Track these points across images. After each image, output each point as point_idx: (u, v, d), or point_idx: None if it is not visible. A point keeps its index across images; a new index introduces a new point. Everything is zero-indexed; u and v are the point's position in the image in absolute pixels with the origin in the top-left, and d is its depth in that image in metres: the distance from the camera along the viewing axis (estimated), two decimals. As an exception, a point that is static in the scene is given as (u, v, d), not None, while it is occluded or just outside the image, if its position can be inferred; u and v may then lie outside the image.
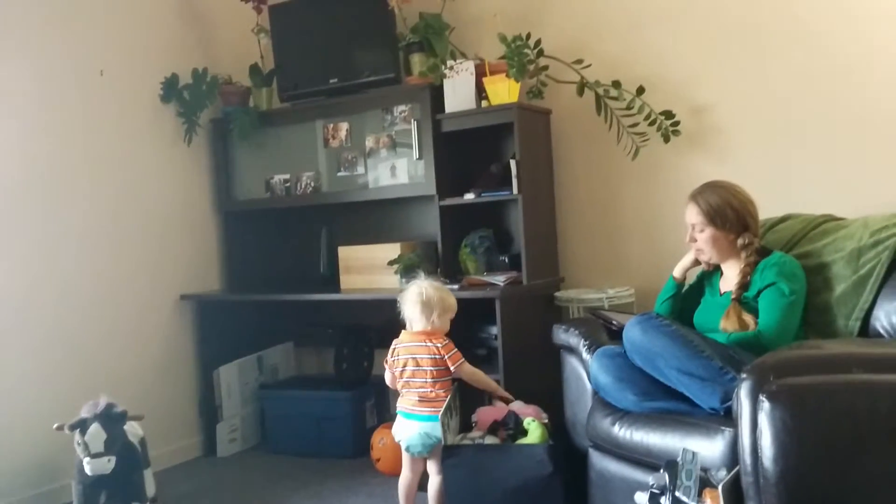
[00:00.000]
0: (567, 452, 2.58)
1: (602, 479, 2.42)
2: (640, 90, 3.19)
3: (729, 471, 1.90)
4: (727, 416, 2.09)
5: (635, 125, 3.25)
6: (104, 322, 3.37)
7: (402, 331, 2.75)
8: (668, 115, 3.17)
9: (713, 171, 2.86)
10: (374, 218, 3.83)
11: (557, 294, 3.30)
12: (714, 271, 2.64)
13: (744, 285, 2.45)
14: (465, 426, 2.71)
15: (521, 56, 3.13)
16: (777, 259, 2.44)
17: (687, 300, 2.70)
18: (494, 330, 3.11)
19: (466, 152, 3.49)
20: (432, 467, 2.63)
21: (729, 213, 2.47)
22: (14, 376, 3.02)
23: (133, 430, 2.79)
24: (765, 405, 1.75)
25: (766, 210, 2.67)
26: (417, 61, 3.50)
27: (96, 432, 2.55)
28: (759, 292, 2.41)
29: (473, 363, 2.75)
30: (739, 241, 2.48)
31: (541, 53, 3.24)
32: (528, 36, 3.19)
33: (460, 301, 2.77)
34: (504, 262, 3.34)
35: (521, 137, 3.18)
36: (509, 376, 2.98)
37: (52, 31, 3.23)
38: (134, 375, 3.45)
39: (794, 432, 1.72)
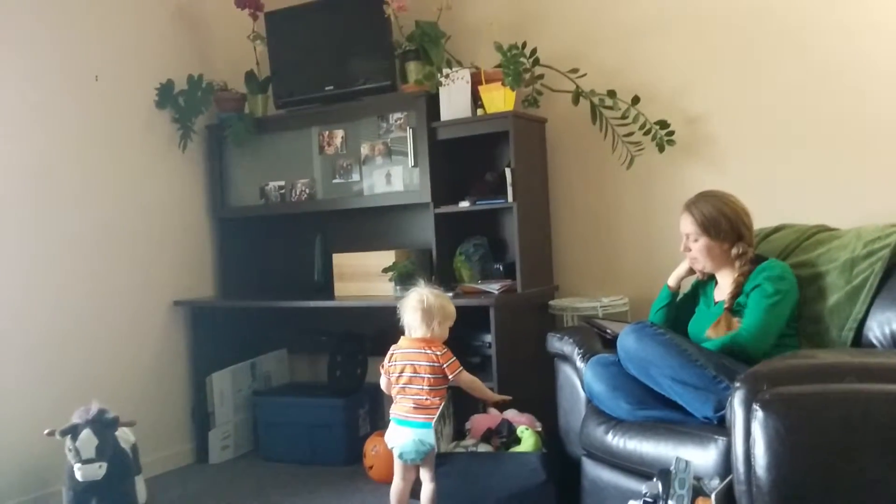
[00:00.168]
0: (560, 461, 2.57)
1: (595, 488, 2.42)
2: (636, 100, 3.20)
3: (722, 480, 1.90)
4: (720, 425, 2.10)
5: (630, 134, 3.26)
6: (97, 327, 3.36)
7: (402, 337, 2.74)
8: (663, 124, 3.18)
9: (707, 181, 2.88)
10: (368, 225, 3.83)
11: (552, 302, 3.30)
12: (709, 281, 2.65)
13: (737, 294, 2.45)
14: (459, 434, 2.71)
15: (517, 65, 3.14)
16: (768, 264, 2.45)
17: (681, 309, 2.70)
18: (488, 338, 3.11)
19: (462, 160, 3.50)
20: (425, 475, 2.63)
21: (723, 222, 2.48)
22: (6, 381, 3.00)
23: (125, 436, 2.78)
24: (758, 414, 1.75)
25: (760, 220, 2.68)
26: (413, 69, 3.51)
27: (87, 438, 2.54)
28: (747, 297, 2.43)
29: (467, 371, 2.74)
30: (733, 251, 2.48)
31: (536, 62, 3.25)
32: (524, 45, 3.20)
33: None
34: (498, 270, 3.35)
35: (516, 146, 3.19)
36: (503, 384, 2.97)
37: (47, 35, 3.23)
38: (126, 381, 3.44)
39: (788, 441, 1.72)
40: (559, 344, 2.72)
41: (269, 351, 4.03)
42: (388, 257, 3.42)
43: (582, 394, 2.57)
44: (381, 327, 3.65)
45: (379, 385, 2.78)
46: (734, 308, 2.45)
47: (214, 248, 3.97)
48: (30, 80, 3.16)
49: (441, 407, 2.57)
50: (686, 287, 2.73)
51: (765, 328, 2.35)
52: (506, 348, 3.07)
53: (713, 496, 1.84)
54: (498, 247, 3.49)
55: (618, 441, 2.29)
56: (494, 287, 3.15)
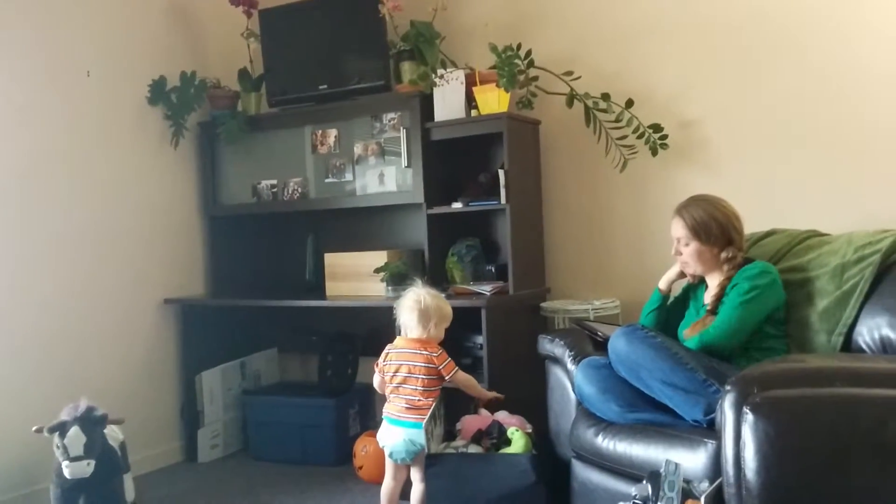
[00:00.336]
0: (550, 462, 2.58)
1: (585, 490, 2.42)
2: (629, 103, 3.21)
3: (711, 483, 1.90)
4: (710, 429, 2.10)
5: (624, 138, 3.27)
6: (86, 324, 3.34)
7: (397, 336, 2.74)
8: (657, 128, 3.19)
9: (700, 185, 2.88)
10: (361, 225, 3.82)
11: (543, 304, 3.30)
12: (699, 284, 2.65)
13: (720, 296, 2.46)
14: (450, 435, 2.71)
15: (512, 66, 3.15)
16: (749, 266, 2.46)
17: (672, 312, 2.71)
18: (480, 339, 3.11)
19: (455, 161, 3.50)
20: (416, 475, 2.63)
21: (713, 227, 2.48)
22: (-7, 378, 2.99)
23: (113, 433, 2.76)
24: (748, 417, 1.76)
25: (752, 224, 2.69)
26: (407, 69, 3.51)
27: (76, 435, 2.52)
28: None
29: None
30: (723, 255, 2.49)
31: (531, 64, 3.26)
32: (519, 46, 3.20)
33: (446, 310, 2.77)
34: (491, 271, 3.35)
35: (509, 147, 3.19)
36: (494, 385, 2.97)
37: (37, 30, 3.21)
38: (115, 379, 3.42)
39: (777, 444, 1.73)
40: (550, 346, 2.72)
41: (260, 350, 4.02)
42: (380, 257, 3.42)
43: (572, 396, 2.57)
44: (372, 327, 3.67)
45: (369, 385, 2.78)
46: (717, 310, 2.46)
47: (205, 247, 3.95)
48: (19, 75, 3.13)
49: (432, 407, 2.57)
50: (677, 290, 2.74)
51: (733, 324, 2.36)
52: (497, 350, 3.07)
53: (703, 499, 1.84)
54: (490, 248, 3.49)
55: (608, 443, 2.29)
56: (486, 288, 3.15)
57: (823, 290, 2.49)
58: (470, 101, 3.29)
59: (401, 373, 2.64)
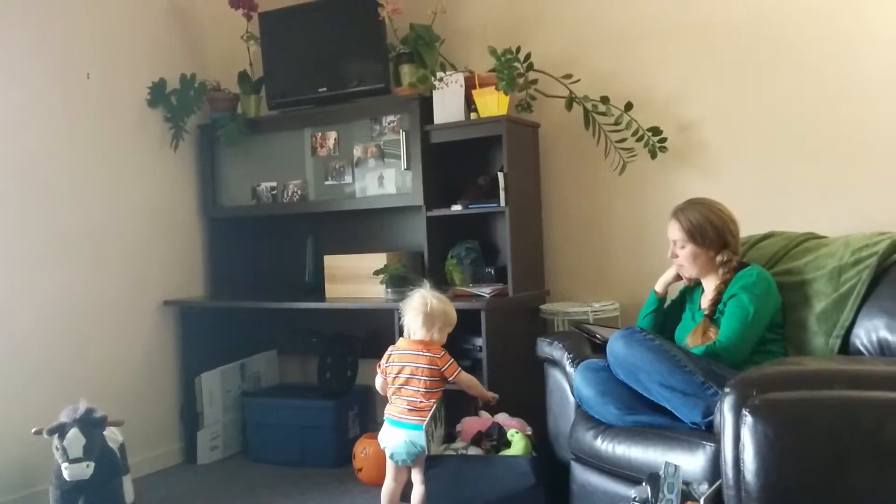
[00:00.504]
0: (550, 465, 2.58)
1: (584, 492, 2.43)
2: (629, 106, 3.22)
3: (710, 485, 1.91)
4: (709, 431, 2.11)
5: (623, 140, 3.28)
6: (86, 326, 3.34)
7: (400, 338, 2.75)
8: (656, 131, 3.20)
9: (699, 188, 2.90)
10: (360, 227, 3.83)
11: (543, 307, 3.31)
12: (696, 287, 2.66)
13: (717, 301, 2.47)
14: (450, 436, 2.71)
15: (511, 69, 3.15)
16: (745, 272, 2.46)
17: (669, 315, 2.72)
18: (479, 341, 3.11)
19: (454, 164, 3.50)
20: (416, 476, 2.63)
21: (709, 229, 2.49)
22: (-7, 379, 2.99)
23: (113, 435, 2.76)
24: (748, 419, 1.76)
25: (750, 227, 2.70)
26: (407, 72, 3.51)
27: (75, 437, 2.52)
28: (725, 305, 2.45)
29: (458, 374, 2.75)
30: (718, 258, 2.50)
31: (530, 67, 3.26)
32: (518, 49, 3.21)
33: (446, 312, 2.77)
34: (490, 273, 3.35)
35: (509, 150, 3.20)
36: (493, 388, 2.97)
37: (37, 32, 3.21)
38: (115, 381, 3.42)
39: (777, 447, 1.73)
40: (549, 349, 2.73)
41: (259, 352, 4.02)
42: (379, 260, 3.42)
43: (571, 398, 2.58)
44: (371, 329, 3.68)
45: (369, 387, 2.79)
46: (715, 315, 2.47)
47: (205, 249, 3.96)
48: (18, 77, 3.13)
49: (433, 409, 2.57)
50: (674, 293, 2.75)
51: (739, 339, 2.37)
52: (496, 352, 3.08)
53: (702, 501, 1.85)
54: (490, 250, 3.49)
55: (607, 446, 2.30)
56: (486, 291, 3.16)
57: (821, 292, 2.50)
58: (469, 103, 3.30)
59: (403, 374, 2.65)
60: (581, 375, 2.48)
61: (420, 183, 3.36)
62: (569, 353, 2.63)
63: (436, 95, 3.32)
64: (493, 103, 3.21)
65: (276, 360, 4.12)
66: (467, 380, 2.71)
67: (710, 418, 2.11)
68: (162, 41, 3.75)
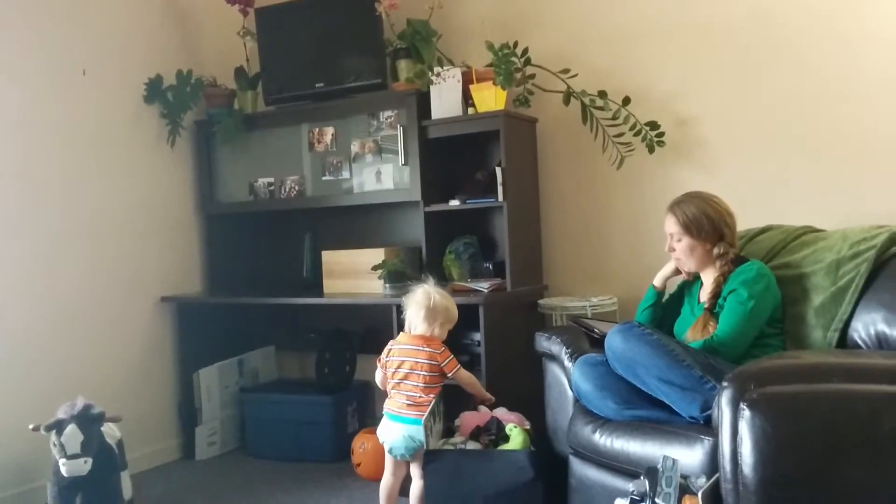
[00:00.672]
0: (548, 459, 2.58)
1: (583, 486, 2.43)
2: (626, 101, 3.21)
3: (708, 479, 1.91)
4: (707, 425, 2.11)
5: (620, 135, 3.28)
6: (83, 322, 3.34)
7: (401, 333, 2.75)
8: (654, 125, 3.20)
9: (697, 183, 2.89)
10: (358, 223, 3.82)
11: (541, 301, 3.31)
12: (694, 281, 2.66)
13: (716, 294, 2.47)
14: (448, 431, 2.71)
15: (508, 64, 3.15)
16: (745, 267, 2.46)
17: (667, 309, 2.72)
18: (477, 336, 3.11)
19: (452, 159, 3.50)
20: (415, 471, 2.63)
21: (705, 222, 2.50)
22: (-10, 376, 2.99)
23: (110, 431, 2.76)
24: (745, 413, 1.76)
25: (748, 221, 2.70)
26: (404, 67, 3.51)
27: (73, 433, 2.51)
28: (725, 299, 2.45)
29: (457, 370, 2.75)
30: (715, 251, 2.50)
31: (528, 62, 3.26)
32: (516, 44, 3.21)
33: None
34: (488, 268, 3.35)
35: (506, 145, 3.19)
36: (492, 383, 2.98)
37: (33, 28, 3.20)
38: (113, 377, 3.42)
39: (775, 440, 1.74)
40: (547, 343, 2.73)
41: (257, 347, 4.02)
42: (377, 255, 3.42)
43: (570, 393, 2.58)
44: (369, 325, 3.68)
45: (367, 382, 2.78)
46: (715, 309, 2.47)
47: (202, 245, 3.95)
48: (14, 74, 3.12)
49: (431, 404, 2.58)
50: (672, 287, 2.75)
51: (738, 334, 2.37)
52: (495, 347, 3.08)
53: (700, 494, 1.85)
54: (488, 245, 3.49)
55: (605, 440, 2.30)
56: (484, 286, 3.16)
57: (819, 286, 2.50)
58: (467, 98, 3.30)
59: (403, 368, 2.65)
60: (579, 370, 2.48)
61: (418, 178, 3.35)
62: (567, 348, 2.63)
63: (433, 90, 3.32)
64: (490, 98, 3.21)
65: (274, 356, 4.12)
66: (466, 377, 2.71)
67: (709, 412, 2.11)
68: (158, 37, 3.74)
